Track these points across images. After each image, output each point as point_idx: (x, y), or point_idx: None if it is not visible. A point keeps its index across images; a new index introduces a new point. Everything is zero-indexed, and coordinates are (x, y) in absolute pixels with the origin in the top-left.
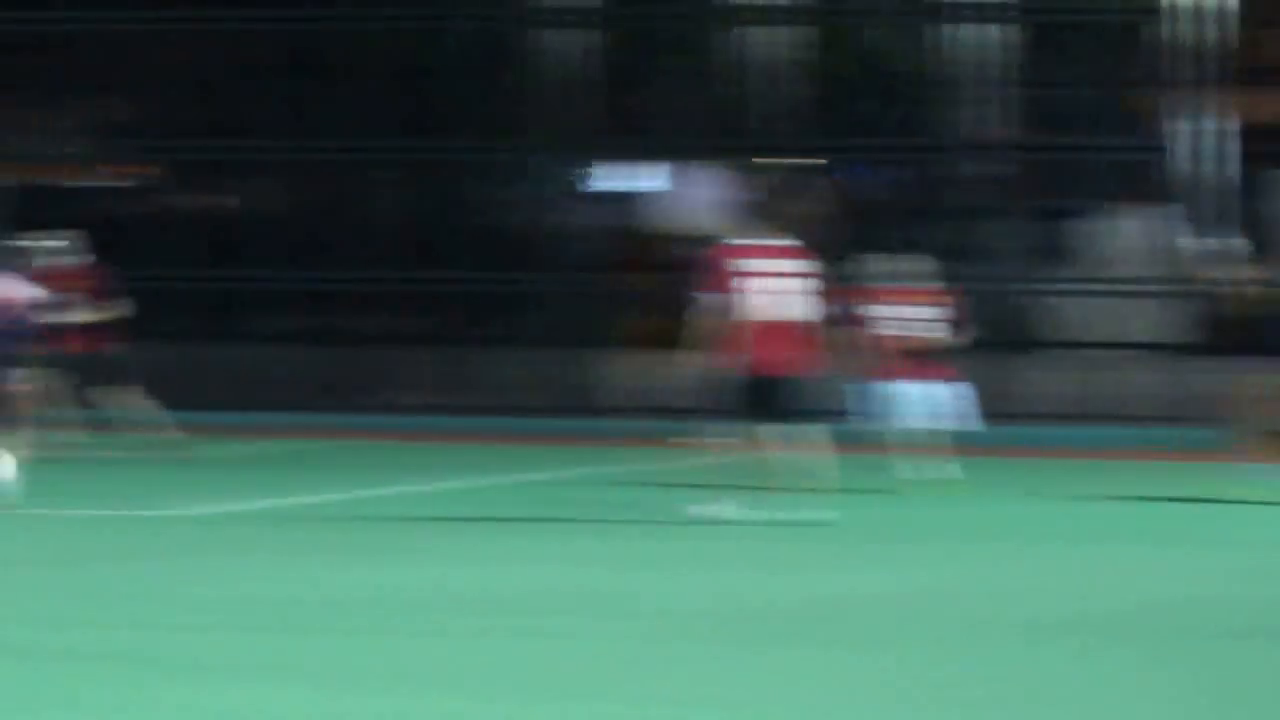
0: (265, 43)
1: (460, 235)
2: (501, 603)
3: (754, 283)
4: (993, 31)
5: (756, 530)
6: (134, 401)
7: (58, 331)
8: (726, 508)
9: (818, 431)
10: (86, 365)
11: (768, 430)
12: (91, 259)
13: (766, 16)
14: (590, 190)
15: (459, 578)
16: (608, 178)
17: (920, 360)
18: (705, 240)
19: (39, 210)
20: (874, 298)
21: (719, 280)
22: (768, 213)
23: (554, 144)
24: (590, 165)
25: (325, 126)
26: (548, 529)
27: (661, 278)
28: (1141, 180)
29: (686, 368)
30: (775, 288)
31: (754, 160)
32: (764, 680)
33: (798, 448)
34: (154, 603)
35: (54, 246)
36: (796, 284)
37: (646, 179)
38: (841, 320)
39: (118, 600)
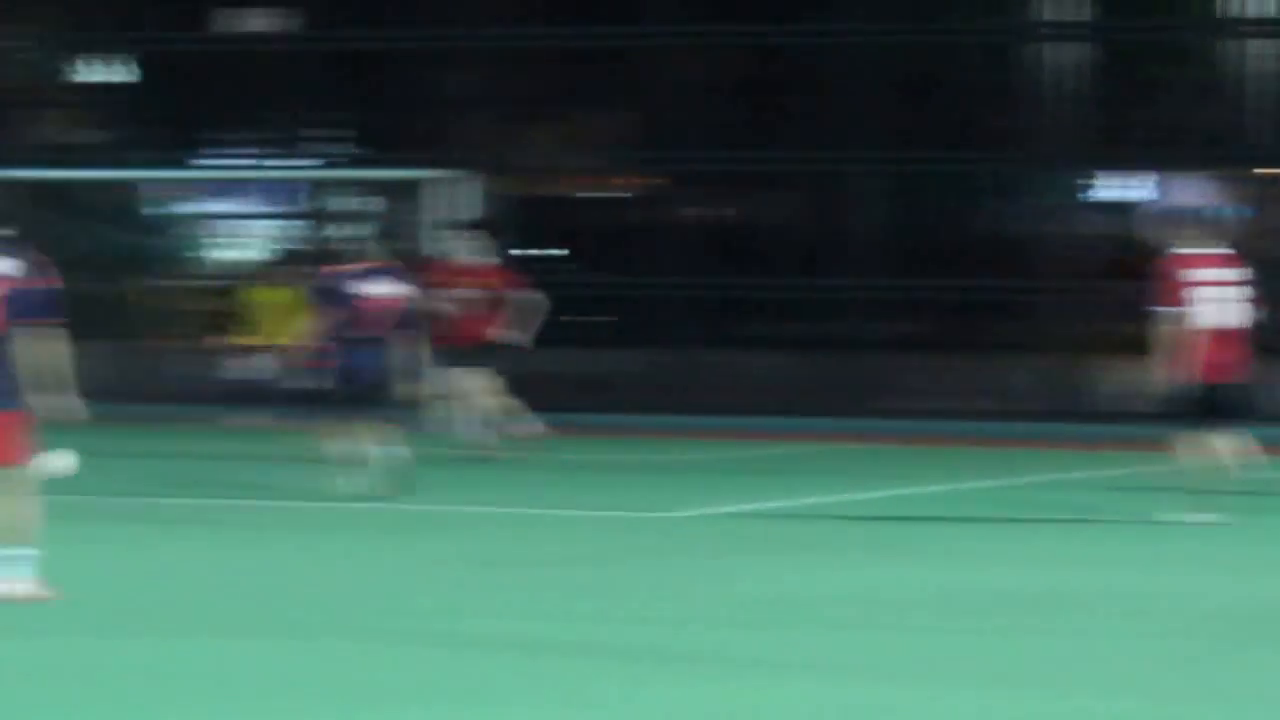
0: (766, 56)
1: (956, 243)
2: (1001, 601)
3: (1201, 292)
4: None
5: (1227, 532)
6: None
7: (452, 328)
8: (1199, 512)
9: (1250, 436)
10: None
11: (1222, 435)
12: (502, 259)
13: (1258, 28)
14: (1085, 200)
15: (952, 576)
16: (1102, 187)
17: None
18: (1168, 249)
19: (541, 221)
20: None
21: (1173, 289)
22: (1222, 222)
23: (1050, 155)
24: (1085, 175)
25: (823, 137)
26: (1040, 529)
27: (1148, 285)
28: None
29: (1155, 374)
30: (1220, 296)
31: (1241, 170)
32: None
33: (1245, 451)
34: (661, 600)
35: (469, 245)
36: (1238, 292)
37: (1138, 189)
38: None
39: (625, 598)
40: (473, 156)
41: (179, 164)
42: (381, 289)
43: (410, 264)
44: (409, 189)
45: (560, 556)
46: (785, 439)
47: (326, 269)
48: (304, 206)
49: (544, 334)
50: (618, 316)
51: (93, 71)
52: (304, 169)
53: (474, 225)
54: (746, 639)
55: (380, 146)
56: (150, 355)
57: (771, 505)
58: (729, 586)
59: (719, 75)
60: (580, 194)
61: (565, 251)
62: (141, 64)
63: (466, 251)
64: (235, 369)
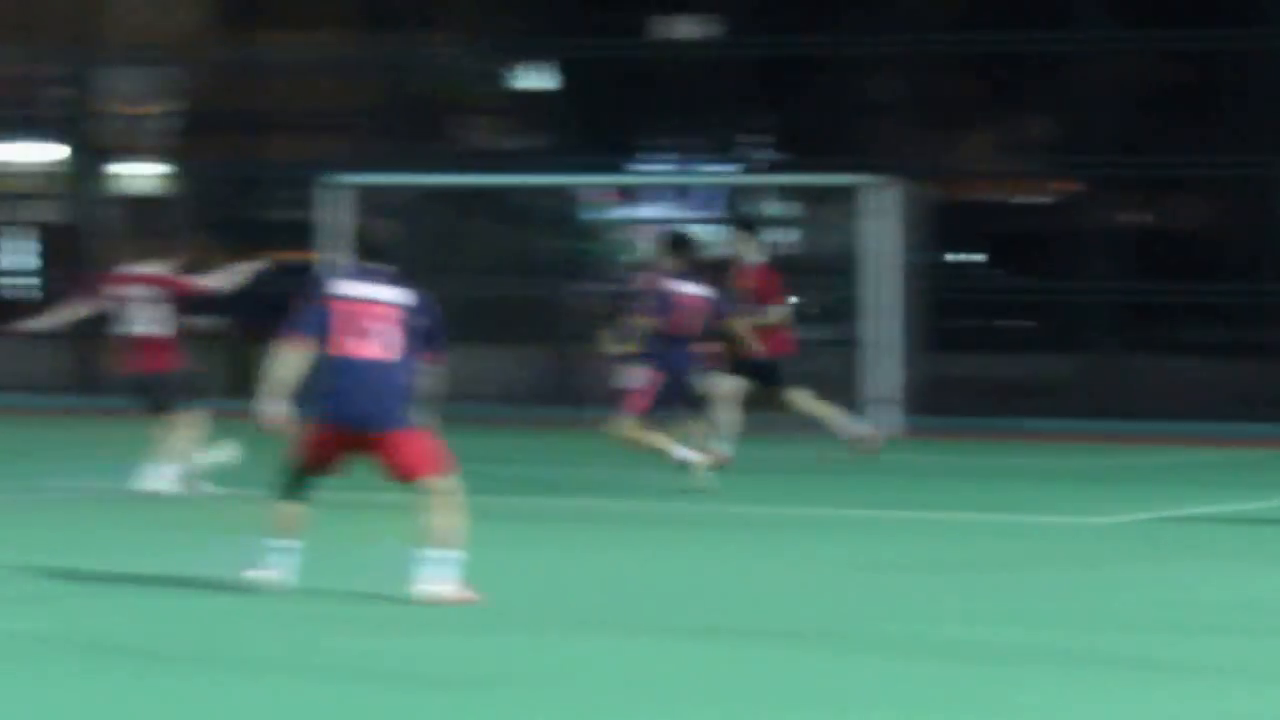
0: (1193, 61)
1: None
2: None
3: None
4: None
5: None
6: (804, 407)
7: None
8: None
9: None
10: (756, 370)
11: None
12: (766, 261)
13: None
14: None
15: None
16: None
17: None
18: None
19: (964, 225)
20: None
21: None
22: None
23: None
24: None
25: (1251, 142)
26: None
27: None
28: None
29: None
30: None
31: None
32: None
33: None
34: (1091, 605)
35: (743, 246)
36: None
37: None
38: None
39: (1054, 602)
40: (896, 161)
41: (607, 169)
42: (693, 290)
43: (709, 268)
44: (834, 194)
45: (990, 561)
46: (1213, 444)
47: (648, 273)
48: (727, 212)
49: (966, 339)
50: (1040, 321)
51: (523, 77)
52: (729, 175)
53: (746, 224)
54: (1195, 645)
55: (805, 152)
56: (569, 360)
57: (1201, 510)
58: (1167, 592)
59: (1145, 79)
60: (1003, 199)
61: (986, 256)
62: (571, 70)
63: (746, 253)
64: (634, 374)
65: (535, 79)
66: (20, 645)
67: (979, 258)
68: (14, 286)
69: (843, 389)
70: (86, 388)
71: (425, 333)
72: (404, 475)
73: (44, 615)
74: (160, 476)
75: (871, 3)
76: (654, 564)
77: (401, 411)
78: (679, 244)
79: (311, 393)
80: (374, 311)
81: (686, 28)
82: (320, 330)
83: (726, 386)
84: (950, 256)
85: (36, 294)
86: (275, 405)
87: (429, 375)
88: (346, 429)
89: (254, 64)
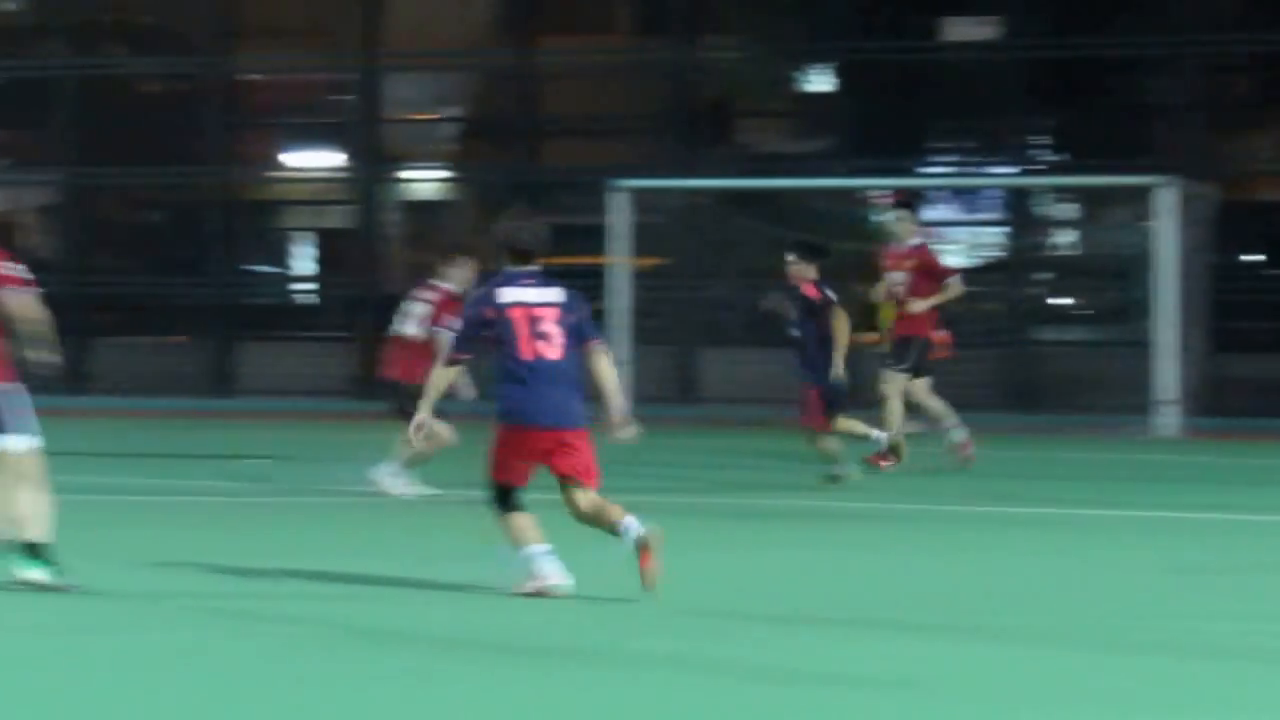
0: None
1: None
2: None
3: None
4: None
5: None
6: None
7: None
8: None
9: None
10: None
11: None
12: (927, 243)
13: None
14: None
15: None
16: None
17: None
18: None
19: (1243, 226)
20: None
21: None
22: None
23: None
24: None
25: None
26: None
27: None
28: None
29: None
30: None
31: None
32: None
33: None
34: None
35: (896, 227)
36: None
37: None
38: None
39: None
40: (1179, 162)
41: (889, 172)
42: (830, 292)
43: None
44: (1117, 195)
45: (1274, 563)
46: None
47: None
48: (1008, 214)
49: (1249, 339)
50: None
51: (805, 80)
52: (1012, 176)
53: (906, 204)
54: None
55: (1086, 153)
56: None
57: None
58: None
59: None
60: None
61: (1269, 256)
62: (852, 72)
63: (905, 234)
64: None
65: (817, 82)
66: (374, 640)
67: (1261, 258)
68: (297, 292)
69: (1131, 390)
70: (368, 392)
71: (579, 327)
72: (575, 477)
73: (371, 612)
74: (407, 482)
75: (1153, 3)
76: (942, 565)
77: (581, 408)
78: (815, 251)
79: (497, 399)
80: (543, 313)
81: (968, 29)
82: (475, 345)
83: (918, 384)
84: (1233, 257)
85: (315, 300)
86: (430, 420)
87: (606, 367)
88: (539, 429)
89: (537, 69)
